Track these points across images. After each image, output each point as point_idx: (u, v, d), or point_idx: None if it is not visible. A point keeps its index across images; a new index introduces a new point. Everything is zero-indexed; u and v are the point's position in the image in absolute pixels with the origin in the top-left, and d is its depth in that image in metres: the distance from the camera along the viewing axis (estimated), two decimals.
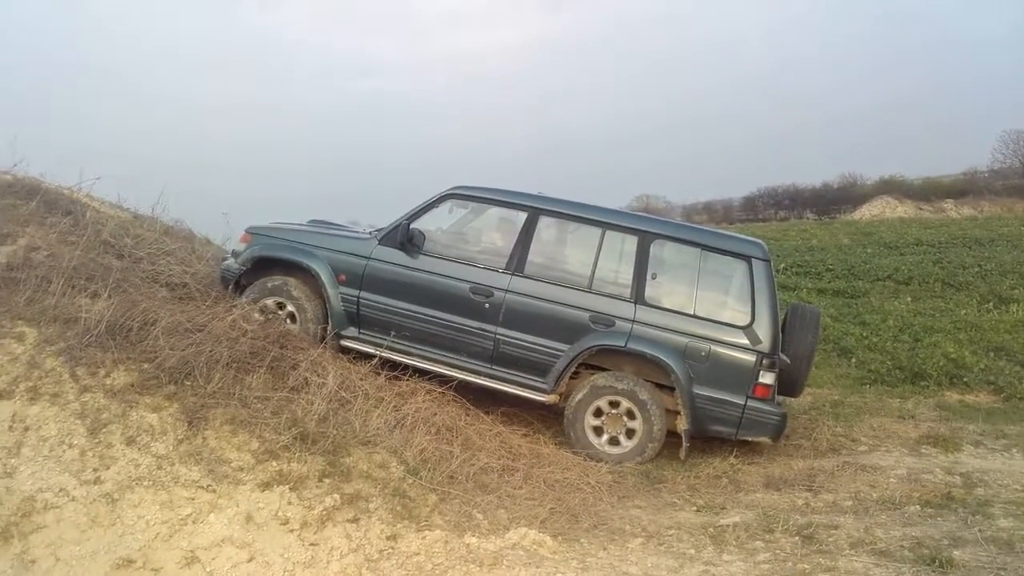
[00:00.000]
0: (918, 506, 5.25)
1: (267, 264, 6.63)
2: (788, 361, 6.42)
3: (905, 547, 4.46)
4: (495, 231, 6.84)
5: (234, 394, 5.00)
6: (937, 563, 4.17)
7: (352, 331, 6.45)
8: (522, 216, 6.54)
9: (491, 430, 5.91)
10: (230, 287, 6.64)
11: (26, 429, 4.46)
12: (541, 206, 6.55)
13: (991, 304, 12.35)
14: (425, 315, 6.36)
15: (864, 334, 10.88)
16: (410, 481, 4.84)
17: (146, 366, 5.01)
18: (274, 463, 4.56)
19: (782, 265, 16.55)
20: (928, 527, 4.87)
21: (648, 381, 6.21)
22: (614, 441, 6.22)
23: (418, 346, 6.38)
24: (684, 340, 6.13)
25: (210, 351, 5.22)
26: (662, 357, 6.10)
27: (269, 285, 6.54)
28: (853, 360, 9.97)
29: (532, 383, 6.29)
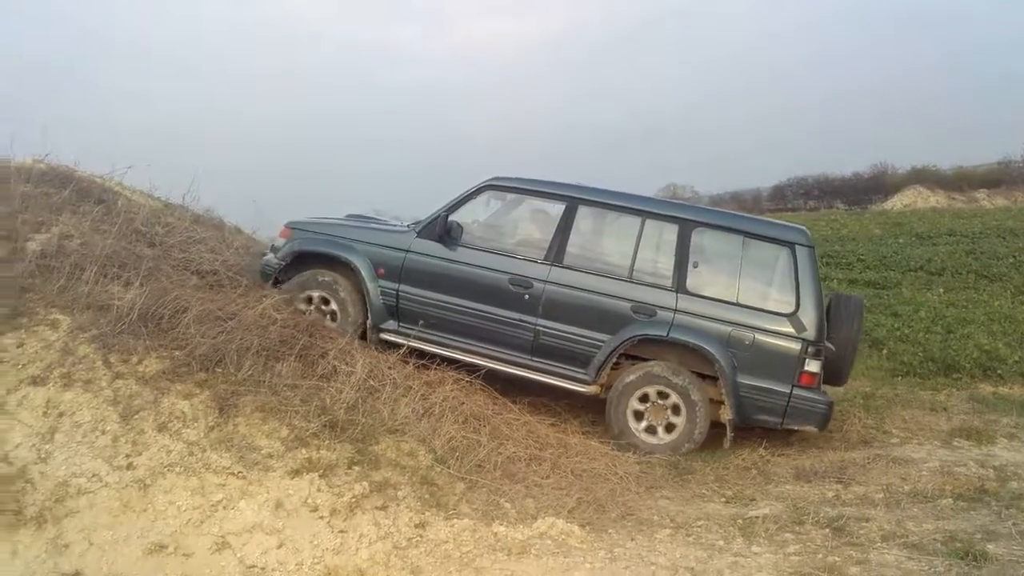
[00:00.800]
0: (951, 499, 5.18)
1: (307, 258, 6.66)
2: (833, 349, 6.33)
3: (938, 540, 4.41)
4: (533, 222, 6.81)
5: (264, 382, 5.04)
6: (971, 557, 4.11)
7: (391, 324, 6.46)
8: (560, 206, 6.52)
9: (518, 419, 5.90)
10: (270, 281, 6.67)
11: (60, 415, 4.53)
12: (579, 196, 6.52)
13: None
14: (464, 307, 6.36)
15: (896, 325, 10.74)
16: (438, 469, 4.86)
17: (177, 353, 5.06)
18: (303, 450, 4.60)
19: None
20: (961, 521, 4.80)
21: (692, 372, 6.16)
22: (651, 430, 6.19)
23: (458, 338, 6.38)
24: (727, 329, 6.08)
25: (240, 339, 5.26)
26: (705, 346, 6.05)
27: (319, 279, 6.57)
28: (884, 351, 9.85)
29: (573, 374, 6.26)
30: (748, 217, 6.93)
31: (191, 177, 8.04)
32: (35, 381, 4.67)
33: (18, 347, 4.88)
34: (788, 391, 6.02)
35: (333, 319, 6.50)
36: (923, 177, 35.67)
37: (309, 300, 6.55)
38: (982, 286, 13.04)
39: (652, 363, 6.21)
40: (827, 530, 4.58)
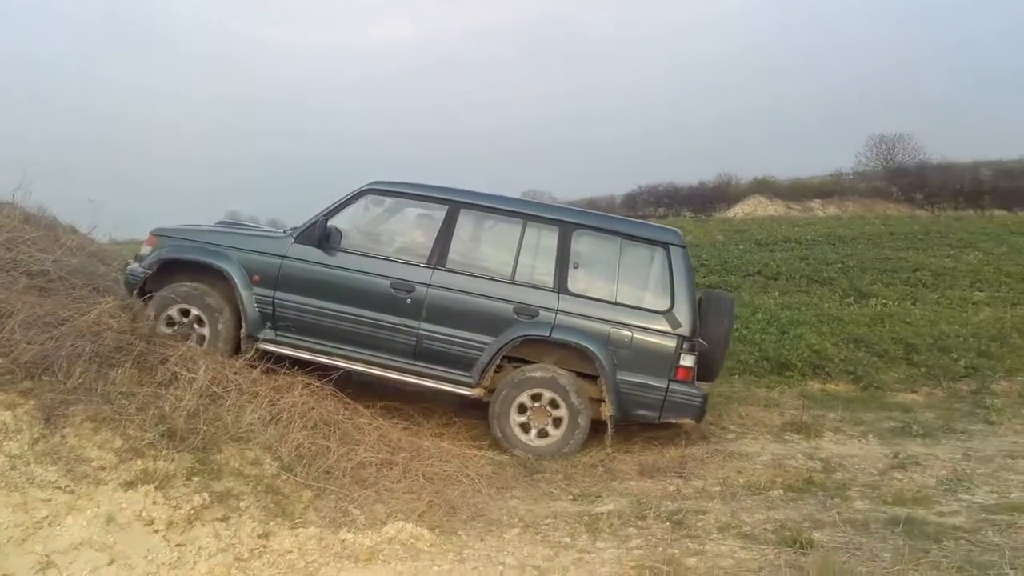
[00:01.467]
0: (781, 490, 5.51)
1: (175, 266, 6.37)
2: (706, 345, 6.57)
3: (768, 530, 4.67)
4: (415, 226, 6.78)
5: (96, 390, 4.76)
6: (798, 544, 4.37)
7: (268, 333, 6.29)
8: (442, 210, 6.51)
9: (370, 424, 5.83)
10: (134, 292, 6.34)
11: None
12: (461, 200, 6.54)
13: (852, 298, 12.97)
14: (344, 313, 6.26)
15: (735, 327, 11.26)
16: (284, 477, 4.74)
17: (0, 361, 4.72)
18: (139, 461, 4.37)
19: None
20: (790, 510, 5.11)
21: (571, 371, 6.27)
22: (543, 434, 6.27)
23: (338, 345, 6.28)
24: (607, 327, 6.24)
25: (71, 345, 4.95)
26: (587, 345, 6.19)
27: (181, 291, 6.28)
28: None
29: (457, 377, 6.28)
30: (625, 219, 7.17)
31: (21, 173, 7.55)
32: None
33: None
34: (665, 386, 6.24)
35: (201, 337, 6.24)
36: (763, 187, 37.53)
37: (184, 312, 6.28)
38: (813, 289, 13.84)
39: (534, 365, 6.32)
40: (667, 523, 4.77)
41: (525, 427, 6.27)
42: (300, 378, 5.84)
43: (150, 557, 3.91)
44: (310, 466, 4.93)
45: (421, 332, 6.24)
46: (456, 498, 5.09)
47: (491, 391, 6.33)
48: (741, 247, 18.62)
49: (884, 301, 12.55)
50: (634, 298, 6.37)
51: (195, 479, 4.39)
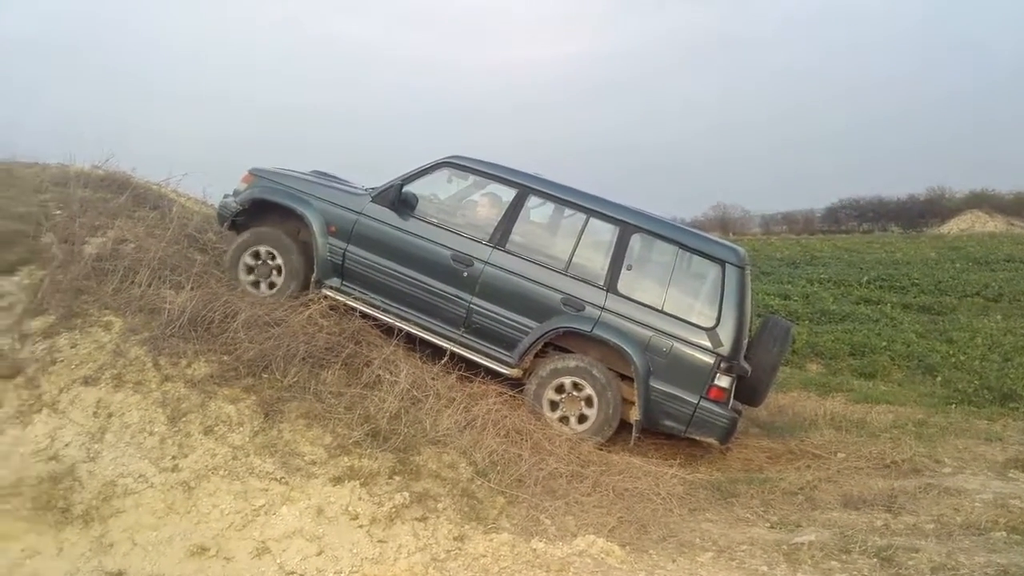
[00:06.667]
0: (1004, 532, 5.01)
1: (264, 206, 6.71)
2: (748, 369, 6.33)
3: (989, 574, 4.26)
4: (484, 204, 6.87)
5: (309, 388, 5.09)
6: None
7: (335, 282, 6.52)
8: (512, 192, 6.59)
9: (560, 435, 5.86)
10: (226, 224, 6.78)
11: (110, 415, 4.61)
12: (531, 185, 6.59)
13: None
14: (405, 275, 6.42)
15: (951, 352, 10.48)
16: (478, 482, 4.84)
17: (226, 358, 5.14)
18: (346, 458, 4.62)
19: (864, 279, 16.08)
20: (1014, 555, 4.64)
21: (610, 369, 6.20)
22: (564, 420, 6.21)
23: (394, 304, 6.43)
24: (649, 333, 6.15)
25: (288, 345, 5.33)
26: (625, 347, 6.11)
27: (262, 232, 6.60)
28: (939, 378, 9.62)
29: (498, 355, 6.32)
30: (688, 230, 6.89)
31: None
32: (87, 381, 4.77)
33: (71, 347, 4.99)
34: (696, 401, 6.07)
35: (279, 272, 6.51)
36: (981, 201, 34.98)
37: (256, 255, 6.56)
38: None
39: (574, 355, 6.28)
40: (875, 559, 4.45)
41: (554, 407, 6.22)
42: (493, 387, 5.97)
43: (355, 551, 4.11)
44: (503, 473, 5.01)
45: (472, 306, 6.31)
46: (647, 516, 5.00)
47: (529, 373, 6.32)
48: (957, 265, 17.39)
49: None
50: (681, 309, 6.21)
51: (396, 478, 4.57)
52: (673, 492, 5.48)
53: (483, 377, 6.07)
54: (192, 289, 5.70)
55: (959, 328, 11.83)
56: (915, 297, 14.37)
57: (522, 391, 6.15)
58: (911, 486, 5.96)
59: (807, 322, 12.31)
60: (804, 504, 5.58)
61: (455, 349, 6.35)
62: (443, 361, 6.11)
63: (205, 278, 6.04)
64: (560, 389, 6.25)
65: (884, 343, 10.87)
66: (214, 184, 8.27)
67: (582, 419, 6.22)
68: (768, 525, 5.15)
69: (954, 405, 8.65)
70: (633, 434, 6.22)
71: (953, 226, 32.37)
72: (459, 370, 6.07)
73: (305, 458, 4.57)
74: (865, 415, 7.94)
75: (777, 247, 25.82)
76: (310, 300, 6.09)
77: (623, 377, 6.25)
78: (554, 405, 6.25)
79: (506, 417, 5.65)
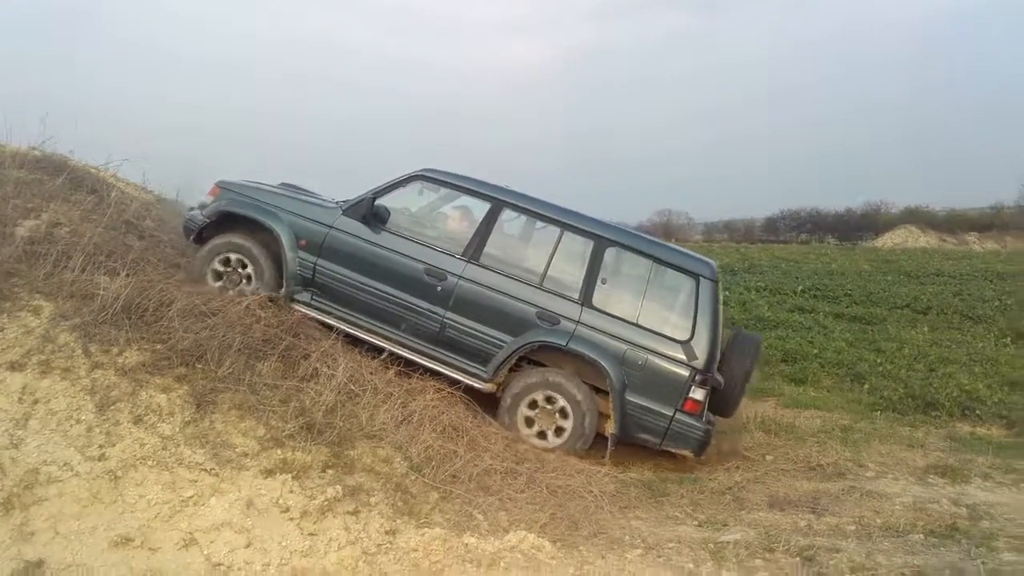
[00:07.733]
0: (922, 535, 5.19)
1: (231, 219, 6.63)
2: (722, 381, 6.44)
3: (906, 575, 4.41)
4: (457, 217, 6.89)
5: (244, 380, 5.04)
6: None
7: (305, 296, 6.47)
8: (485, 206, 6.60)
9: (497, 432, 5.90)
10: (191, 238, 6.67)
11: (35, 402, 4.51)
12: (505, 199, 6.61)
13: (1009, 339, 12.21)
14: (377, 289, 6.41)
15: (879, 361, 10.78)
16: (413, 477, 4.85)
17: (159, 347, 5.06)
18: (278, 451, 4.59)
19: (799, 288, 16.44)
20: (930, 556, 4.81)
21: (585, 382, 6.26)
22: (542, 435, 6.25)
23: (366, 318, 6.42)
24: (624, 347, 6.22)
25: (223, 336, 5.26)
26: (600, 360, 6.17)
27: (232, 243, 6.53)
28: (866, 386, 9.87)
29: (472, 369, 6.33)
30: (662, 244, 7.01)
31: (189, 173, 8.06)
32: (13, 366, 4.66)
33: None
34: (671, 414, 6.17)
35: (248, 282, 6.45)
36: (916, 217, 36.02)
37: (226, 262, 6.50)
38: (967, 327, 13.12)
39: (548, 369, 6.33)
40: (797, 559, 4.57)
41: (529, 424, 6.26)
42: (432, 383, 5.97)
43: (284, 543, 4.09)
44: (438, 468, 5.03)
45: (446, 320, 6.33)
46: (578, 513, 5.06)
47: (503, 388, 6.35)
48: (889, 278, 17.87)
49: None
50: (655, 323, 6.30)
51: (329, 472, 4.56)
52: (605, 490, 5.55)
53: (421, 373, 6.07)
54: (127, 276, 5.58)
55: (888, 338, 12.16)
56: (847, 307, 14.73)
57: (459, 387, 6.13)
58: (835, 489, 6.14)
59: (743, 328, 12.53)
60: (732, 504, 5.71)
61: (428, 364, 6.32)
62: (383, 356, 6.10)
63: (141, 265, 5.93)
64: (533, 404, 6.26)
65: (815, 350, 11.13)
66: (161, 172, 8.16)
67: (559, 432, 6.23)
68: (696, 524, 5.25)
69: (880, 412, 8.90)
70: (608, 447, 6.23)
71: (887, 240, 33.26)
72: (398, 366, 6.06)
73: (237, 450, 4.52)
74: (794, 419, 8.14)
75: (718, 254, 26.24)
76: (245, 294, 6.03)
77: (598, 390, 6.26)
78: (529, 421, 6.26)
79: (443, 413, 5.66)
